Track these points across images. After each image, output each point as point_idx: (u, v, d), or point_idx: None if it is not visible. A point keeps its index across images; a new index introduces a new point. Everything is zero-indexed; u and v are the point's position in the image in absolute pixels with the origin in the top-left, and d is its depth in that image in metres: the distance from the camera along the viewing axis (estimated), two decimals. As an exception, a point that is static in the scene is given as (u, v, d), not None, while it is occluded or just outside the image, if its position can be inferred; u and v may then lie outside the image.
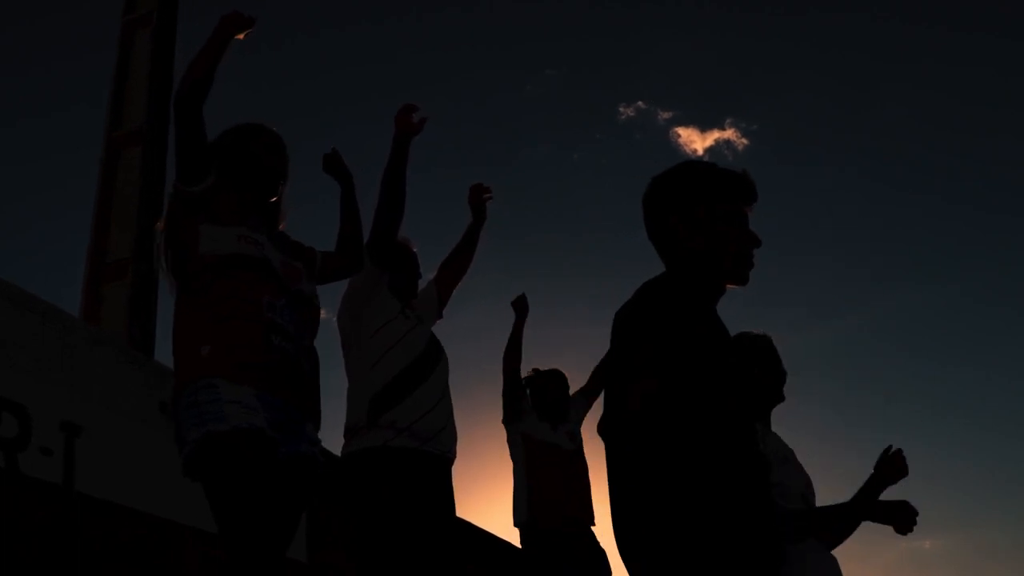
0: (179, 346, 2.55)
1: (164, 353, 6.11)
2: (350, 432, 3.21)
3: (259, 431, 2.37)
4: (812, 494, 2.99)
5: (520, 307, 4.95)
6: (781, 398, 3.05)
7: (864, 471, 2.93)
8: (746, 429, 1.96)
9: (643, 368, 1.86)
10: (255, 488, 2.33)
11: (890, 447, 2.91)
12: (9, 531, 3.60)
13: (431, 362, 3.26)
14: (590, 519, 4.80)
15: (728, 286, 2.10)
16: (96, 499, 3.96)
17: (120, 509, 4.08)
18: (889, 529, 2.80)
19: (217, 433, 2.34)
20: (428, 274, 3.69)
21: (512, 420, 4.91)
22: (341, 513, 3.15)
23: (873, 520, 2.89)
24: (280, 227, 2.86)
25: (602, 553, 4.77)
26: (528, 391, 5.04)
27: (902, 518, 2.80)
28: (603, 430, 1.94)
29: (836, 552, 3.05)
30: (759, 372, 2.99)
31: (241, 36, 2.65)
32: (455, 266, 3.71)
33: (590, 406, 5.16)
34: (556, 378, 5.07)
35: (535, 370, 5.11)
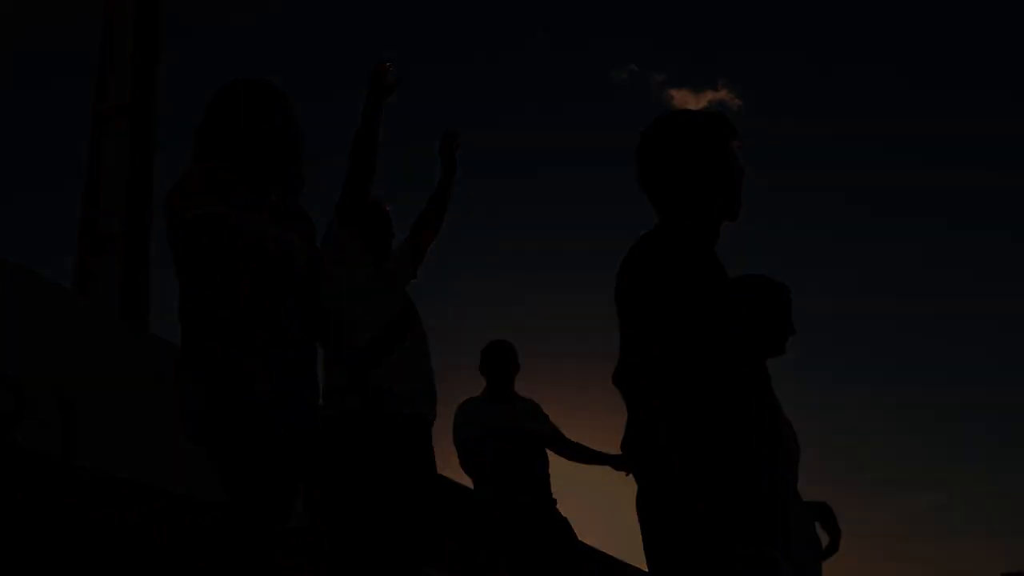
0: (184, 317, 2.53)
1: (157, 324, 6.13)
2: (328, 395, 3.17)
3: (265, 402, 2.39)
4: (797, 450, 2.98)
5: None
6: (779, 351, 3.00)
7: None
8: (757, 375, 2.01)
9: (652, 322, 1.91)
10: (260, 459, 2.36)
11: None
12: (6, 503, 3.63)
13: (408, 323, 3.23)
14: (548, 496, 4.73)
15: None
16: (76, 467, 3.98)
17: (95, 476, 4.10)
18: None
19: (223, 403, 2.37)
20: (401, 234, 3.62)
21: None
22: (325, 478, 3.13)
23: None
24: (299, 185, 2.74)
25: (564, 522, 4.71)
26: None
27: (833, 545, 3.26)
28: (618, 381, 1.98)
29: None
30: (759, 315, 2.95)
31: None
32: (428, 223, 3.61)
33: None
34: (496, 351, 4.90)
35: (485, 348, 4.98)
